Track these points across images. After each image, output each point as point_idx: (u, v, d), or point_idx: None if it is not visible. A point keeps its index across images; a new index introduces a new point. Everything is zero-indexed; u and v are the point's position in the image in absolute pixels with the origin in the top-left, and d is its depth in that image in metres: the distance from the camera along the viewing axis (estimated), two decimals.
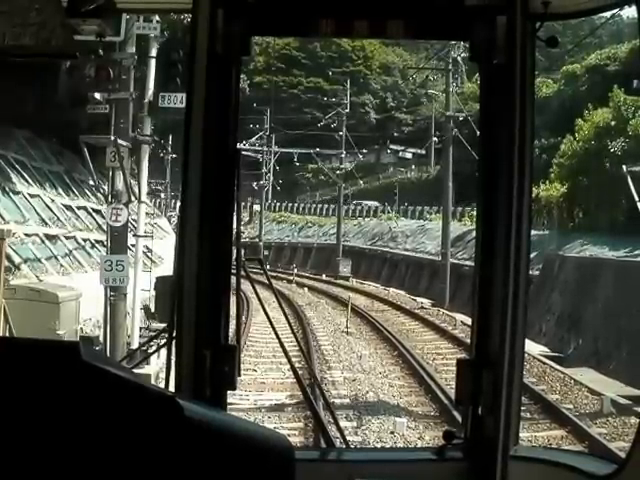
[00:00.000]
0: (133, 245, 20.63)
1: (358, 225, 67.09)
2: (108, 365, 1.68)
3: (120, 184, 18.67)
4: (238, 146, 3.18)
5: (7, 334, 15.25)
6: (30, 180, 29.53)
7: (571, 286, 27.54)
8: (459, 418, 3.21)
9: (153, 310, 21.38)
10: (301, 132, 73.66)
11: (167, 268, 24.58)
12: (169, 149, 54.08)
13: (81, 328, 19.63)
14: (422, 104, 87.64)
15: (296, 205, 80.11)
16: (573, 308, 26.55)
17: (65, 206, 31.14)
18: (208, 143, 2.95)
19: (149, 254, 26.25)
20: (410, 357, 21.66)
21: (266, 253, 59.37)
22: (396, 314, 33.07)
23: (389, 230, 58.98)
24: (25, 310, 16.47)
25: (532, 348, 22.92)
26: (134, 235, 20.85)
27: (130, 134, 18.82)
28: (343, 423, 14.18)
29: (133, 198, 19.39)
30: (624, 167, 29.69)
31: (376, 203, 70.07)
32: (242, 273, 3.30)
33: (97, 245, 29.40)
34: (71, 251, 27.65)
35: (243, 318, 24.99)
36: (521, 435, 3.18)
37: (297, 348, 7.92)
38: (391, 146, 71.44)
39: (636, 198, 28.72)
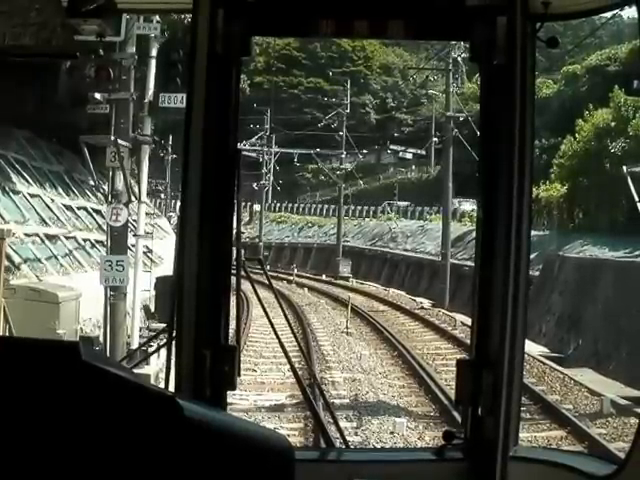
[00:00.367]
0: (133, 245, 20.63)
1: (358, 225, 67.10)
2: (108, 365, 1.68)
3: (120, 184, 18.67)
4: (238, 146, 3.18)
5: (7, 334, 15.25)
6: (30, 180, 29.53)
7: (571, 286, 27.54)
8: (459, 418, 3.21)
9: (153, 310, 21.39)
10: (301, 132, 73.68)
11: (167, 268, 24.58)
12: (169, 149, 54.07)
13: (81, 328, 19.63)
14: (422, 104, 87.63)
15: (296, 205, 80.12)
16: (573, 309, 26.56)
17: (65, 206, 31.13)
18: (208, 143, 2.95)
19: (149, 254, 26.24)
20: (410, 357, 21.66)
21: (266, 253, 59.39)
22: (396, 314, 33.07)
23: (389, 230, 58.99)
24: (25, 310, 16.47)
25: (532, 348, 22.92)
26: (134, 235, 20.85)
27: (130, 134, 18.83)
28: (343, 423, 14.17)
29: (133, 198, 19.39)
30: (624, 168, 29.68)
31: (406, 203, 69.13)
32: (242, 273, 3.30)
33: (97, 245, 29.40)
34: (71, 251, 27.64)
35: (243, 318, 24.99)
36: (521, 435, 3.18)
37: (297, 348, 7.94)
38: (391, 146, 71.40)
39: (636, 199, 28.70)
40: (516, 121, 2.89)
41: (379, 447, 13.20)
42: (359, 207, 71.25)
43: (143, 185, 20.36)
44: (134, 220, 21.36)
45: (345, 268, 53.61)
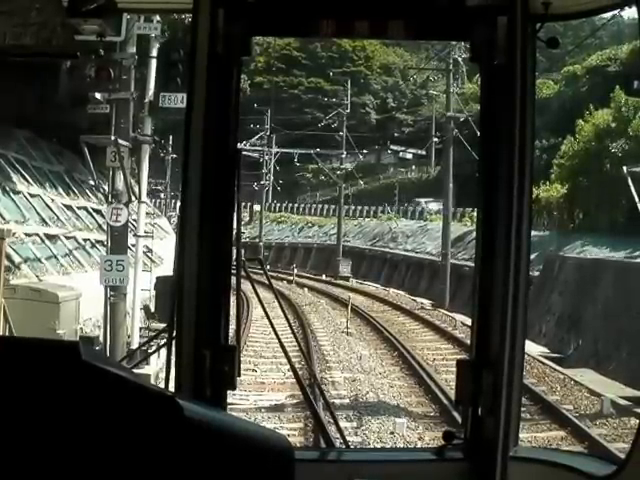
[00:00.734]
0: (133, 245, 20.63)
1: (358, 225, 67.09)
2: (108, 365, 1.68)
3: (120, 184, 18.67)
4: (238, 146, 3.18)
5: (7, 334, 15.24)
6: (30, 180, 29.53)
7: (571, 287, 27.55)
8: (459, 419, 3.21)
9: (153, 310, 21.37)
10: (301, 132, 73.63)
11: (167, 268, 24.58)
12: (169, 149, 54.07)
13: (81, 328, 19.64)
14: (423, 104, 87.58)
15: (296, 205, 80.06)
16: (573, 309, 26.56)
17: (65, 206, 31.13)
18: (208, 143, 2.95)
19: (149, 254, 26.25)
20: (410, 357, 21.66)
21: (266, 253, 59.37)
22: (396, 314, 33.07)
23: (389, 230, 58.99)
24: (25, 310, 16.47)
25: (532, 349, 22.92)
26: (134, 235, 20.85)
27: (130, 134, 18.83)
28: (343, 423, 14.18)
29: (133, 198, 19.39)
30: (624, 168, 29.69)
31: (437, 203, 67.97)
32: (242, 273, 3.30)
33: (97, 245, 29.40)
34: (71, 251, 27.64)
35: (243, 318, 24.99)
36: (521, 436, 3.19)
37: (297, 348, 7.93)
38: (391, 146, 71.40)
39: (636, 199, 28.69)
40: (516, 121, 2.89)
41: (379, 447, 13.20)
42: (359, 207, 71.27)
43: (143, 185, 20.36)
44: (134, 220, 21.36)
45: (345, 268, 53.60)
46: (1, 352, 1.61)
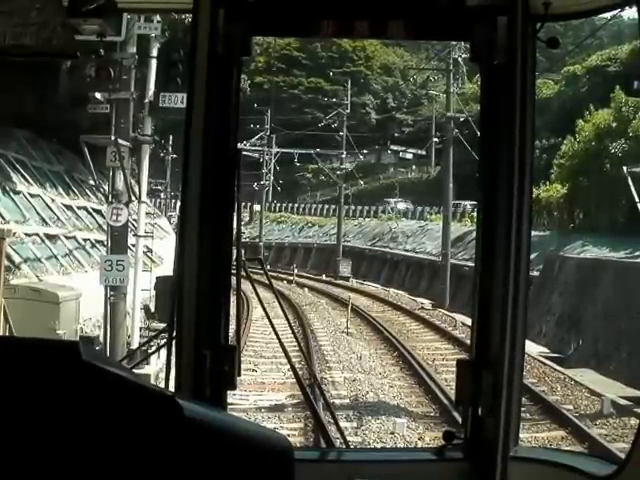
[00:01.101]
0: (133, 245, 20.63)
1: (358, 225, 67.10)
2: (108, 365, 1.68)
3: (120, 184, 18.67)
4: (238, 146, 3.18)
5: (7, 334, 15.25)
6: (30, 180, 29.54)
7: (571, 287, 27.55)
8: (459, 419, 3.21)
9: (153, 310, 21.38)
10: (301, 132, 73.65)
11: (167, 268, 24.59)
12: (169, 149, 54.06)
13: (81, 328, 19.64)
14: (423, 105, 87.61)
15: (296, 205, 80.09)
16: (573, 309, 26.56)
17: (65, 206, 31.15)
18: (208, 143, 2.94)
19: (149, 254, 26.25)
20: (410, 358, 21.66)
21: (266, 253, 59.38)
22: (396, 314, 33.07)
23: (389, 230, 58.99)
24: (25, 310, 16.47)
25: (532, 349, 22.92)
26: (134, 235, 20.85)
27: (131, 134, 18.84)
28: (343, 423, 14.17)
29: (133, 198, 19.39)
30: (624, 168, 29.70)
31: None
32: (242, 273, 3.30)
33: (97, 245, 29.41)
34: (71, 251, 27.66)
35: (243, 318, 24.98)
36: (521, 436, 3.18)
37: (297, 348, 7.93)
38: (392, 146, 71.44)
39: (636, 199, 28.72)
40: (516, 121, 2.89)
41: (379, 447, 13.20)
42: (359, 207, 71.27)
43: (143, 185, 20.36)
44: (134, 220, 21.37)
45: (345, 268, 53.61)
46: (1, 352, 1.61)
